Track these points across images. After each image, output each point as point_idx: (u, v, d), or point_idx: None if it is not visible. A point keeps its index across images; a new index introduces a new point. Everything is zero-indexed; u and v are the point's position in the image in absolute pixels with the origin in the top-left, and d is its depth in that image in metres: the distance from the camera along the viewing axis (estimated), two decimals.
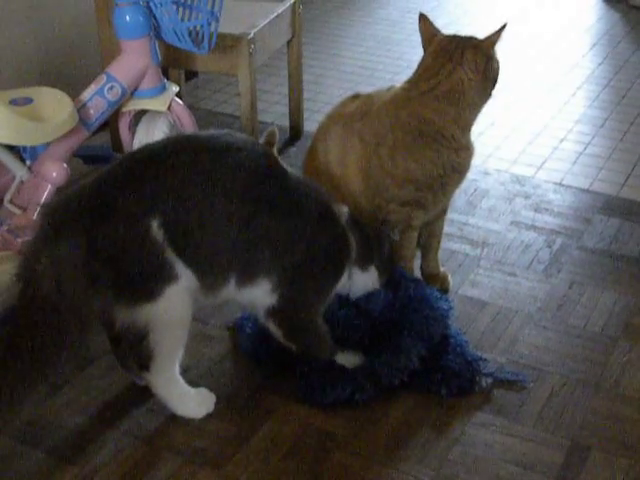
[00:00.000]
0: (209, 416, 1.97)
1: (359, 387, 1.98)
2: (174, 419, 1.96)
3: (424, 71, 2.21)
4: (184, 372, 1.97)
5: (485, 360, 2.12)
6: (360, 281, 2.10)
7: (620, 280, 2.48)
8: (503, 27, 2.17)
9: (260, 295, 1.93)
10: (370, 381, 1.99)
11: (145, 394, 2.00)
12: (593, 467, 1.85)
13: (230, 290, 1.90)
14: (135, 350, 1.89)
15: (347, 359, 2.04)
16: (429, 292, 2.20)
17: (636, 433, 1.94)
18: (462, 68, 2.16)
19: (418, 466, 1.86)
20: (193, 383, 2.00)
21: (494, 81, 2.24)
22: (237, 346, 2.17)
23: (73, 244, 1.71)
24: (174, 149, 1.84)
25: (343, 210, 2.06)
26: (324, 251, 1.97)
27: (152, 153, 1.85)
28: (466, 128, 2.23)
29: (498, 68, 2.24)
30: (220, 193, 1.80)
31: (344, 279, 2.06)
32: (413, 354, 2.02)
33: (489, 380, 2.08)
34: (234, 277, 1.88)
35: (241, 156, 1.84)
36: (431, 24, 2.25)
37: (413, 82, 2.23)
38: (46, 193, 2.31)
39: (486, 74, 2.19)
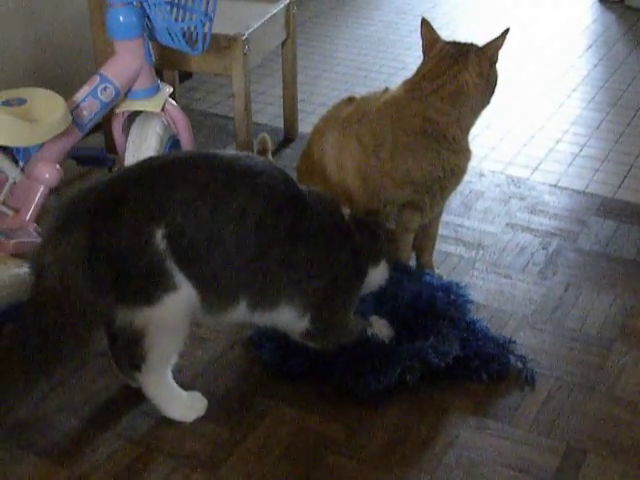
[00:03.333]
0: (202, 418, 1.96)
1: (409, 368, 2.00)
2: (167, 422, 1.95)
3: (427, 73, 2.21)
4: (177, 374, 1.96)
5: (514, 342, 2.15)
6: (372, 278, 2.08)
7: (616, 282, 2.47)
8: (506, 32, 2.18)
9: (287, 320, 1.94)
10: (418, 361, 2.01)
11: (138, 396, 1.98)
12: (589, 471, 1.85)
13: (240, 313, 1.89)
14: (129, 350, 1.88)
15: (378, 327, 2.10)
16: (447, 282, 2.30)
17: (632, 436, 1.93)
18: (467, 71, 2.18)
19: (413, 470, 1.85)
20: (186, 385, 1.99)
21: (494, 86, 2.24)
22: (259, 361, 2.13)
23: (76, 241, 1.72)
24: (192, 165, 1.83)
25: (345, 212, 2.05)
26: (347, 267, 1.97)
27: (169, 163, 1.84)
28: (466, 131, 2.24)
29: (497, 74, 2.25)
30: (232, 218, 1.79)
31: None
32: (453, 340, 2.07)
33: (521, 362, 2.10)
34: (244, 301, 1.87)
35: (259, 182, 1.83)
36: (432, 29, 2.26)
37: (415, 83, 2.22)
38: (39, 194, 2.29)
39: (489, 79, 2.21)
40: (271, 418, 1.98)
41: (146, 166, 1.86)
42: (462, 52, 2.20)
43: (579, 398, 2.04)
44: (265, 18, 2.97)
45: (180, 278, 1.79)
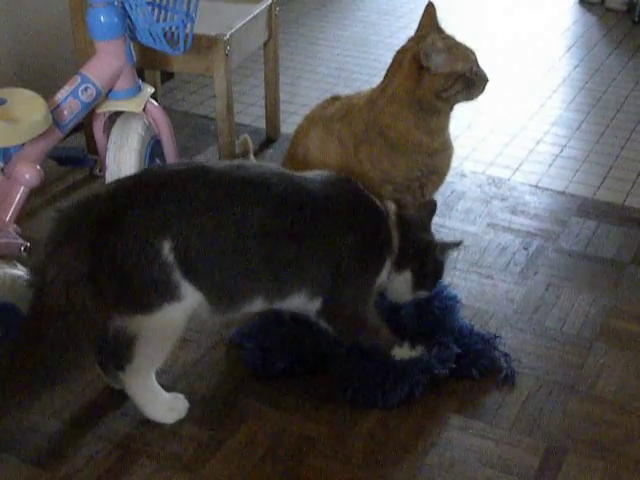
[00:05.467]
0: (184, 420, 1.96)
1: (416, 383, 2.01)
2: (148, 423, 1.94)
3: (386, 72, 2.18)
4: (159, 375, 1.95)
5: (499, 337, 2.17)
6: (394, 283, 2.08)
7: (596, 282, 2.48)
8: (427, 38, 2.07)
9: (299, 304, 1.96)
10: (426, 375, 2.02)
11: (119, 398, 1.98)
12: (569, 470, 1.86)
13: (255, 308, 1.94)
14: (117, 351, 1.89)
15: (405, 352, 2.06)
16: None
17: (612, 435, 1.95)
18: (400, 71, 2.11)
19: (395, 469, 1.85)
20: (168, 386, 1.99)
21: (440, 96, 2.08)
22: (241, 362, 2.13)
23: (79, 255, 1.73)
24: (190, 179, 1.83)
25: (391, 207, 2.06)
26: (352, 253, 1.95)
27: (168, 177, 1.84)
28: (434, 133, 2.15)
29: (442, 84, 2.08)
30: (234, 230, 1.81)
31: (384, 274, 2.04)
32: (451, 342, 2.08)
33: (506, 358, 2.12)
34: (258, 298, 1.90)
35: (254, 191, 1.85)
36: (431, 17, 2.16)
37: (380, 84, 2.20)
38: (19, 195, 2.28)
39: (419, 83, 2.08)
40: (253, 419, 1.98)
41: (145, 179, 1.86)
42: (404, 49, 2.12)
43: (559, 397, 2.05)
44: (247, 18, 2.96)
45: (187, 288, 1.81)
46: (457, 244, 2.19)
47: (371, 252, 2.00)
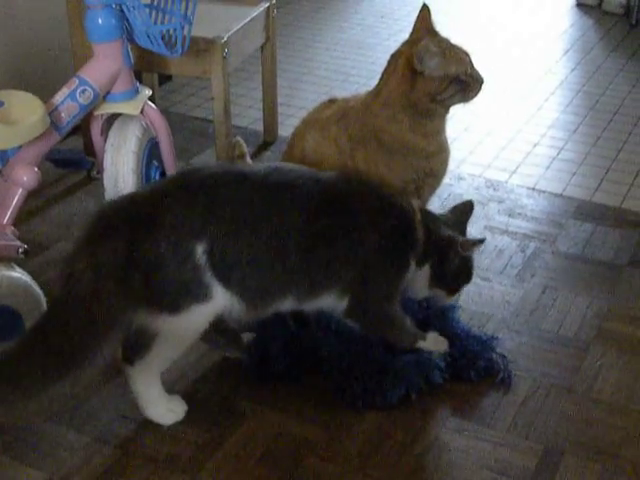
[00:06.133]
0: (181, 422, 1.96)
1: (413, 386, 2.02)
2: (146, 425, 1.94)
3: (381, 75, 2.18)
4: None
5: (497, 338, 2.18)
6: (413, 278, 2.06)
7: (593, 284, 2.49)
8: (421, 41, 2.06)
9: (329, 304, 1.97)
10: (422, 378, 2.03)
11: (117, 400, 1.99)
12: (566, 472, 1.86)
13: (283, 307, 1.96)
14: (131, 346, 1.90)
15: (431, 344, 2.08)
16: None
17: (609, 438, 1.95)
18: (395, 75, 2.10)
19: (392, 472, 1.85)
20: (166, 388, 1.98)
21: (435, 99, 2.08)
22: (239, 364, 2.13)
23: (114, 250, 1.75)
24: (229, 182, 1.86)
25: (415, 203, 2.06)
26: (386, 253, 1.97)
27: (207, 179, 1.86)
28: (430, 136, 2.14)
29: (436, 87, 2.07)
30: (271, 235, 1.83)
31: (412, 271, 2.03)
32: (447, 351, 2.09)
33: (503, 360, 2.12)
34: (289, 299, 1.92)
35: (292, 196, 1.88)
36: (426, 19, 2.15)
37: (375, 87, 2.20)
38: (17, 197, 2.28)
39: (414, 86, 2.07)
40: (250, 421, 1.98)
41: (184, 180, 1.88)
42: (398, 53, 2.11)
43: (556, 400, 2.06)
44: (245, 21, 2.97)
45: (218, 289, 1.82)
46: (481, 241, 2.10)
47: (400, 250, 2.01)
